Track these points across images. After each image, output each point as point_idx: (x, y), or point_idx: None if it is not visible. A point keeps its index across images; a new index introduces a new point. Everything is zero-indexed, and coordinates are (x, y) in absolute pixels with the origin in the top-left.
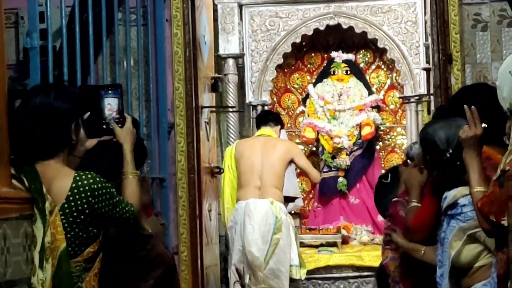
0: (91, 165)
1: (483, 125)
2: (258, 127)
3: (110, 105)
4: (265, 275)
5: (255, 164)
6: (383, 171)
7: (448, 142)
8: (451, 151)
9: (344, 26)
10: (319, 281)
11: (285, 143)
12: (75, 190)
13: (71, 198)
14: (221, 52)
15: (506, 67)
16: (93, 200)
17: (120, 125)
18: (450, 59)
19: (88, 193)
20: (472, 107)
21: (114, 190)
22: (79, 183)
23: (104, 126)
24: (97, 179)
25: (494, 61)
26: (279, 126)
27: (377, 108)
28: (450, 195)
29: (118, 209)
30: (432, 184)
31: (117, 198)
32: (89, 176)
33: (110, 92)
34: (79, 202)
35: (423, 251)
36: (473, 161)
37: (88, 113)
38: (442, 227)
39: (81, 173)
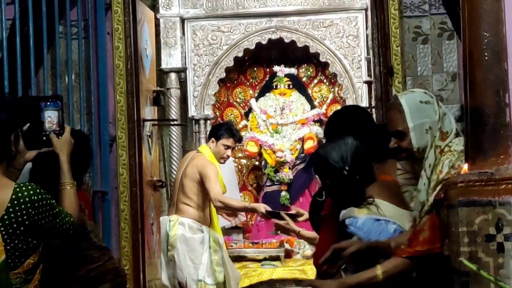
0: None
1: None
2: None
3: (50, 117)
4: None
5: (176, 181)
6: None
7: (342, 160)
8: (347, 168)
9: (286, 40)
10: None
11: (197, 161)
12: (15, 202)
13: (11, 210)
14: (163, 66)
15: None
16: (33, 212)
17: (59, 136)
18: (391, 72)
19: (28, 205)
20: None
21: (54, 201)
22: (19, 194)
23: (44, 138)
24: (37, 190)
25: (435, 74)
26: (212, 139)
27: (320, 122)
28: (341, 214)
29: (58, 220)
30: (333, 205)
31: (57, 209)
32: (29, 187)
33: (50, 104)
34: (19, 214)
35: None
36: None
37: (28, 124)
38: None
39: (21, 184)
